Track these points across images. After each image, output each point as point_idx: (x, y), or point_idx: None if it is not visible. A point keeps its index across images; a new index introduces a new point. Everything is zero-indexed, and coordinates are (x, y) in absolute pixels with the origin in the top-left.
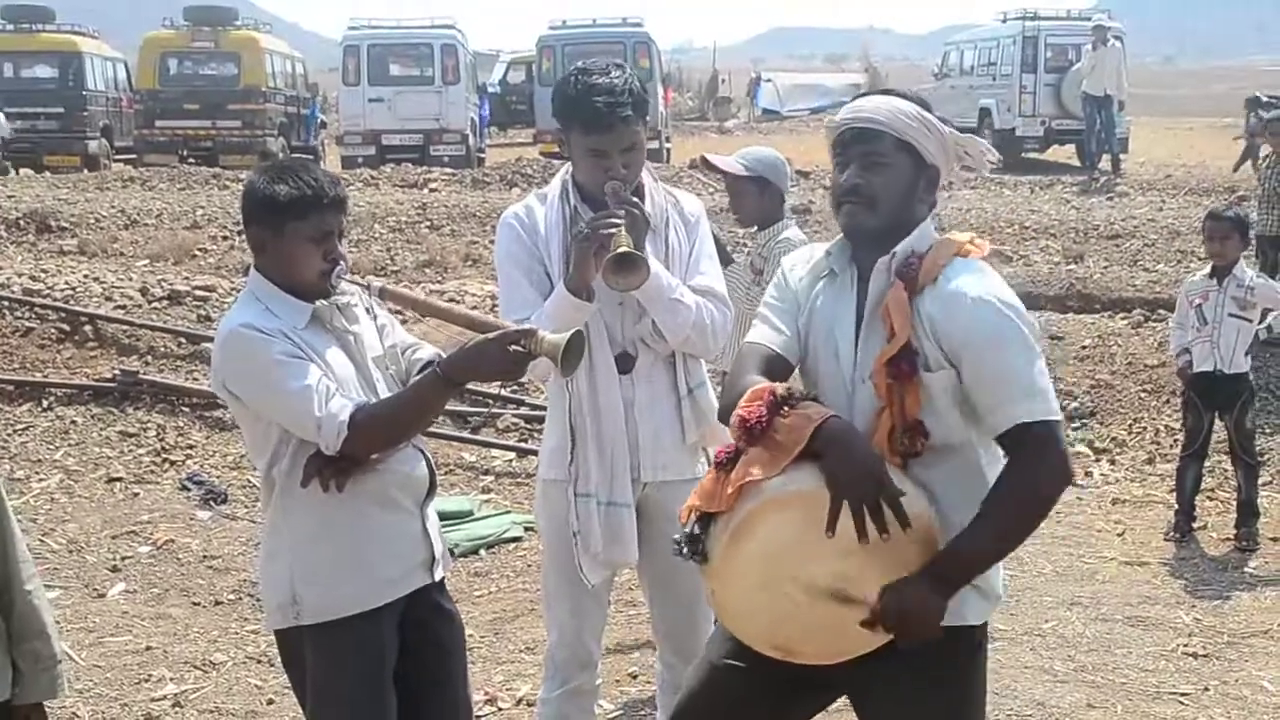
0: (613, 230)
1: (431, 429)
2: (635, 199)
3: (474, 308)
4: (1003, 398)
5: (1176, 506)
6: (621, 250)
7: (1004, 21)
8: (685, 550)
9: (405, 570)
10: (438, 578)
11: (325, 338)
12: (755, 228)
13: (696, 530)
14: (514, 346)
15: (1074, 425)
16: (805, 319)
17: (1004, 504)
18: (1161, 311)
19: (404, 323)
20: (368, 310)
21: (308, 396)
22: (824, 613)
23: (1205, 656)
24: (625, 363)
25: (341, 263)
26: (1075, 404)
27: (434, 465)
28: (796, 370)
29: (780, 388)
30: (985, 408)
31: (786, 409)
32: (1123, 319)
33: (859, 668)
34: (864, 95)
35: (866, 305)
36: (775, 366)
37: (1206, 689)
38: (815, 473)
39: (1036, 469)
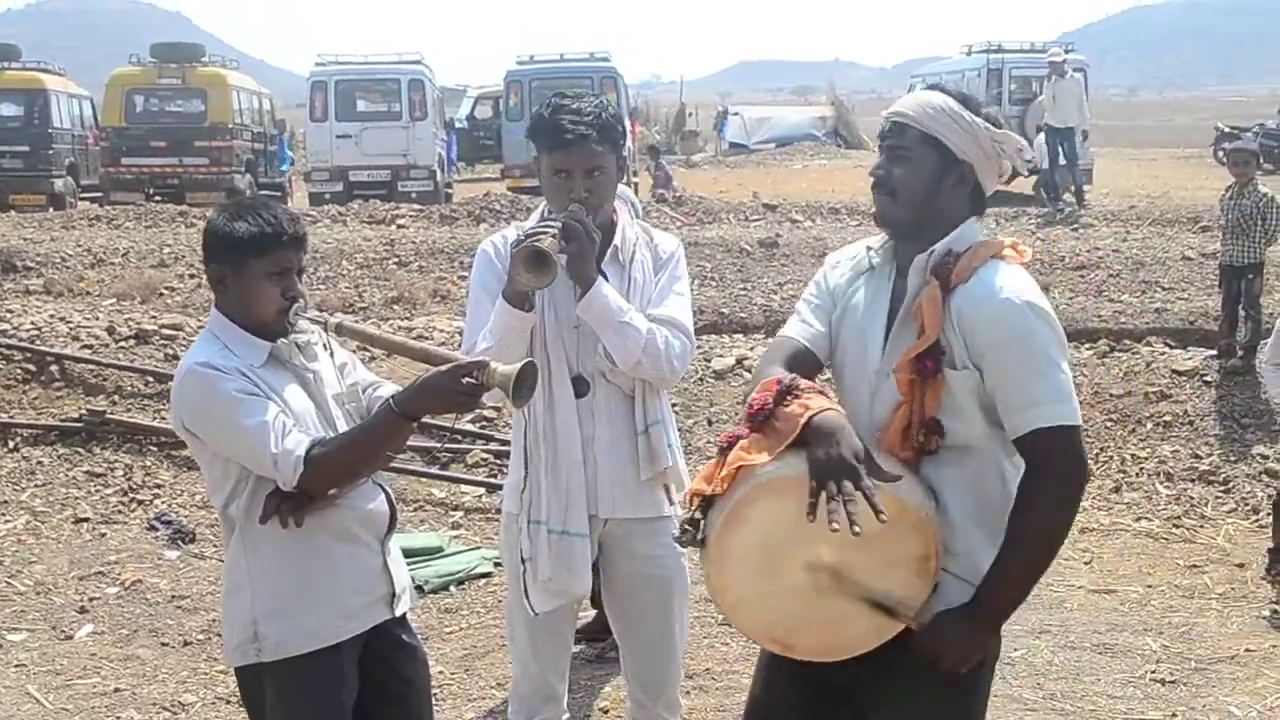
0: (542, 235)
1: (400, 465)
2: (585, 219)
3: (442, 344)
4: (1023, 401)
5: (1273, 546)
6: (532, 246)
7: (968, 54)
8: (685, 535)
9: (365, 605)
10: (399, 613)
11: (284, 375)
12: None
13: (698, 516)
14: (466, 379)
15: None
16: (839, 314)
17: (1028, 519)
18: (1127, 341)
19: (371, 360)
20: (325, 347)
21: (264, 433)
22: (823, 605)
23: (1173, 683)
24: (580, 386)
25: (300, 300)
26: None
27: (394, 500)
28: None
29: (788, 377)
30: (1005, 409)
31: (790, 398)
32: (1089, 349)
33: (868, 672)
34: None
35: (902, 301)
36: (801, 360)
37: (1174, 715)
38: (806, 460)
39: (1054, 475)
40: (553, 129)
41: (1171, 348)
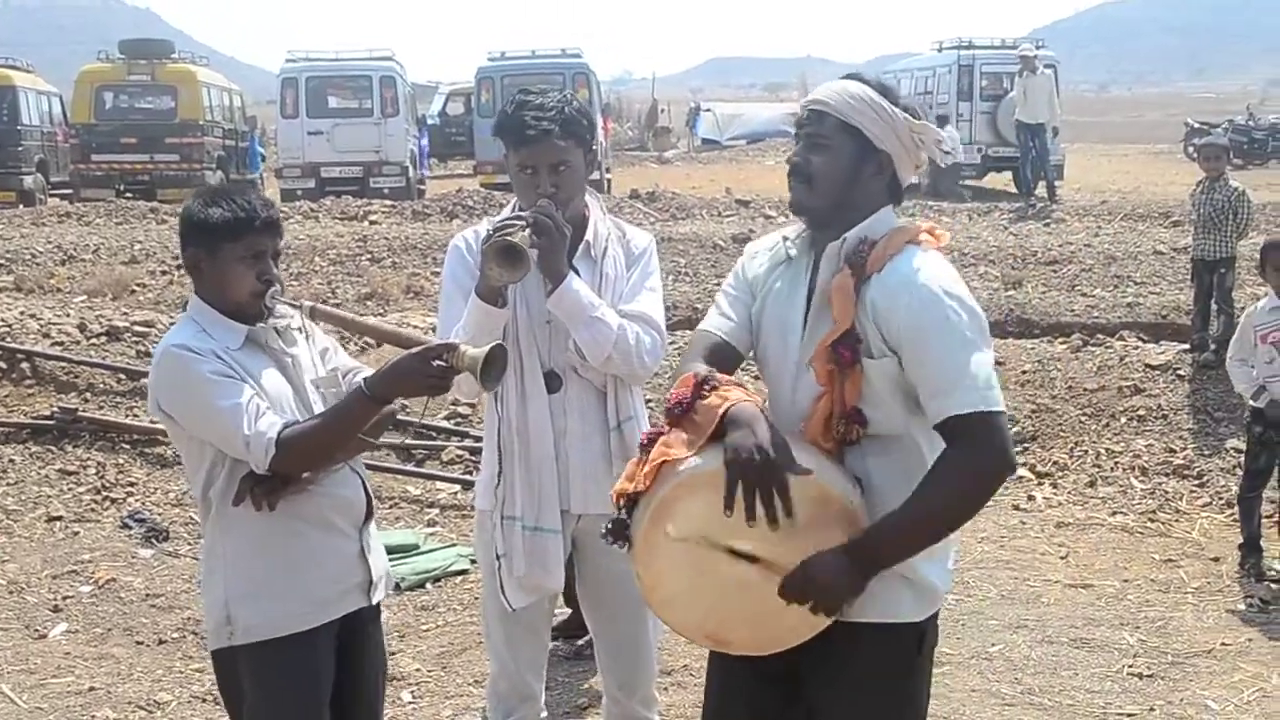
0: (513, 229)
1: (376, 462)
2: (554, 213)
3: None
4: (941, 387)
5: (1243, 541)
6: (503, 240)
7: (940, 51)
8: (611, 534)
9: (341, 592)
10: (374, 600)
11: (261, 359)
12: None
13: (624, 515)
14: (437, 361)
15: (1015, 450)
16: (758, 305)
17: (934, 488)
18: (1100, 336)
19: (349, 355)
20: (303, 332)
21: (237, 414)
22: (752, 599)
23: (1150, 677)
24: (553, 382)
25: (276, 284)
26: (1016, 428)
27: (370, 489)
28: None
29: (705, 370)
30: (925, 396)
31: (708, 390)
32: (1062, 344)
33: (803, 662)
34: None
35: (816, 290)
36: (722, 353)
37: (1152, 709)
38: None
39: (970, 456)
40: (516, 125)
41: (1144, 342)
